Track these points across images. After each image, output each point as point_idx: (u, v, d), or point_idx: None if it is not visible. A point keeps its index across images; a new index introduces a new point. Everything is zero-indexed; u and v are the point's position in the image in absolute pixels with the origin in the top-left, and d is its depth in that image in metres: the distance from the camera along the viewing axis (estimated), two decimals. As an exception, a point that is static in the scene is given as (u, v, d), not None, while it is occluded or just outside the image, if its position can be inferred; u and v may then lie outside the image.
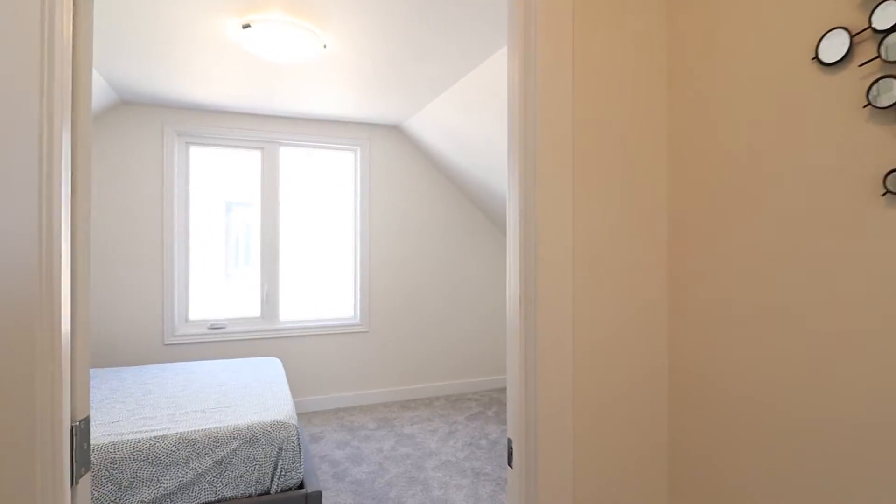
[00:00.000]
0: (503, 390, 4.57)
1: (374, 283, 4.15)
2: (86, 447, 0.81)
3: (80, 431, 0.79)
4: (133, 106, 3.49)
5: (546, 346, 0.99)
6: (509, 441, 1.04)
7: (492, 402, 4.22)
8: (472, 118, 3.36)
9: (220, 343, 3.67)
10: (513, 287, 1.04)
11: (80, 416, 0.80)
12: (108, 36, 2.42)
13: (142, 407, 2.29)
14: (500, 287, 4.63)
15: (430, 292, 4.35)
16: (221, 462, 1.96)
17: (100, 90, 3.10)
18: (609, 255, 1.09)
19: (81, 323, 0.79)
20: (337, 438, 3.40)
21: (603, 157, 1.10)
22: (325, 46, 2.43)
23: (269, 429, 2.06)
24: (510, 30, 1.09)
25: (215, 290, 3.78)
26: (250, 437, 2.02)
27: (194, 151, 3.74)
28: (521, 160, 1.04)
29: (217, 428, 2.01)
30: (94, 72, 2.89)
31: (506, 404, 4.15)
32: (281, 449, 2.06)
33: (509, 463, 1.04)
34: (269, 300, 3.87)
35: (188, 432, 1.97)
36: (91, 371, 2.92)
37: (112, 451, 1.84)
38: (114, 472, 1.82)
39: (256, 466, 2.01)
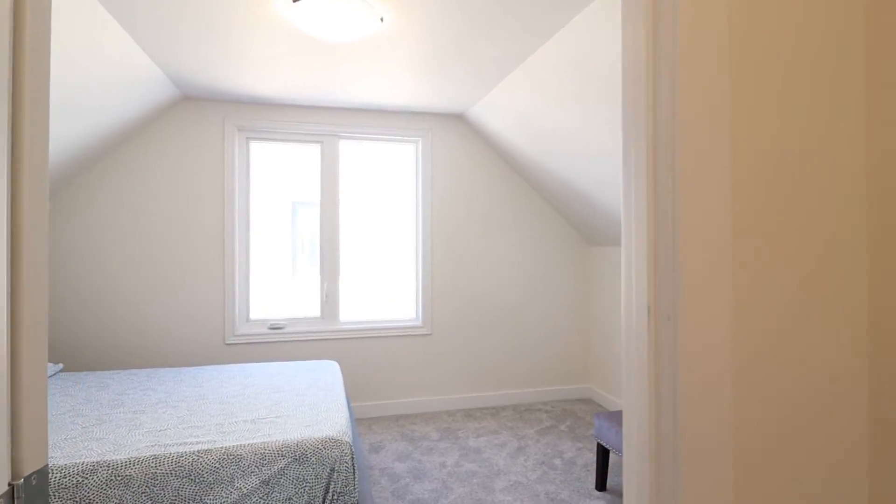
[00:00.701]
0: (576, 401, 4.17)
1: (437, 283, 3.89)
2: (42, 510, 0.59)
3: (31, 490, 0.57)
4: (195, 101, 3.44)
5: (692, 384, 0.66)
6: (631, 518, 0.71)
7: (564, 414, 3.84)
8: (544, 102, 3.01)
9: (280, 343, 3.56)
10: (635, 297, 0.71)
11: (33, 467, 0.58)
12: (163, 26, 2.32)
13: (192, 413, 2.15)
14: (574, 289, 4.23)
15: (497, 294, 4.04)
16: (268, 482, 1.76)
17: (162, 85, 3.05)
18: (782, 271, 0.74)
19: (31, 336, 0.57)
20: (398, 449, 3.17)
21: (773, 148, 0.75)
22: (381, 20, 2.19)
23: (320, 446, 1.84)
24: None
25: (276, 290, 3.68)
26: (300, 455, 1.81)
27: (255, 147, 3.65)
28: (649, 148, 0.72)
29: (264, 443, 1.82)
30: (156, 68, 2.83)
31: (581, 417, 3.76)
32: (333, 469, 1.83)
33: (629, 546, 0.72)
34: (329, 300, 3.72)
35: (234, 447, 1.79)
36: (149, 371, 2.86)
37: (153, 465, 1.69)
38: (154, 489, 1.66)
39: (306, 488, 1.80)
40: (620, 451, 2.45)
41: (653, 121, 0.72)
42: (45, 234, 0.58)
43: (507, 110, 3.36)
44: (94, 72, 2.48)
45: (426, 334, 3.86)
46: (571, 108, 2.88)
